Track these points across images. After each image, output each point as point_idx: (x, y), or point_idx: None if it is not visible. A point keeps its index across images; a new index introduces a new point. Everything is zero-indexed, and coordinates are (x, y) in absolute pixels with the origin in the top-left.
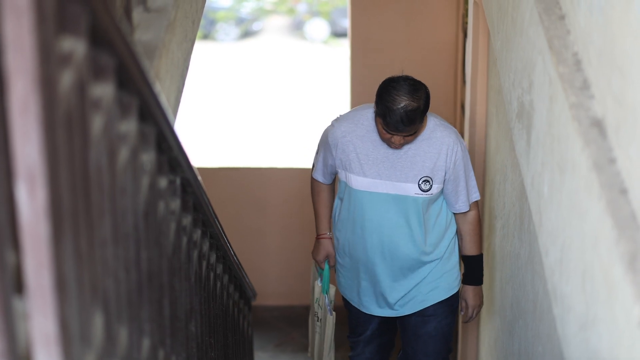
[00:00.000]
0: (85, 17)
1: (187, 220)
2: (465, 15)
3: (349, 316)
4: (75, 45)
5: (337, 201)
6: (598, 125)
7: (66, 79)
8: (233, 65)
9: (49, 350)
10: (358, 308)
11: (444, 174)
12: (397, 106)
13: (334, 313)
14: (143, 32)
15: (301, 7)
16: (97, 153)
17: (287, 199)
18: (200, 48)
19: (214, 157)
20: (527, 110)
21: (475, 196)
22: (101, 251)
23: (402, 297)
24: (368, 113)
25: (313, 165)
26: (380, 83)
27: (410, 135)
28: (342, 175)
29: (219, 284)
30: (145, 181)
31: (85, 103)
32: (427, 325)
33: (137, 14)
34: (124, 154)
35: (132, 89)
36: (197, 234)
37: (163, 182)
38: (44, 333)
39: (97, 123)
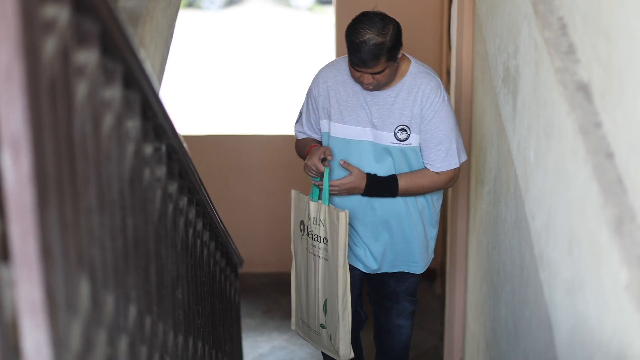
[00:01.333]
0: None
1: (172, 188)
2: None
3: None
4: (58, 12)
5: None
6: (584, 89)
7: (50, 46)
8: (218, 33)
9: (35, 317)
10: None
11: (419, 121)
12: (361, 39)
13: (346, 210)
14: None
15: None
16: (82, 120)
17: (273, 165)
18: (185, 16)
19: (200, 124)
20: (512, 75)
21: (455, 162)
22: (86, 218)
23: (384, 254)
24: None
25: (295, 132)
26: None
27: (379, 73)
28: (324, 126)
29: (205, 251)
30: (130, 148)
31: (69, 70)
32: (403, 285)
33: None
34: (108, 120)
35: (116, 55)
36: (183, 201)
37: (148, 149)
38: (30, 301)
39: (81, 90)
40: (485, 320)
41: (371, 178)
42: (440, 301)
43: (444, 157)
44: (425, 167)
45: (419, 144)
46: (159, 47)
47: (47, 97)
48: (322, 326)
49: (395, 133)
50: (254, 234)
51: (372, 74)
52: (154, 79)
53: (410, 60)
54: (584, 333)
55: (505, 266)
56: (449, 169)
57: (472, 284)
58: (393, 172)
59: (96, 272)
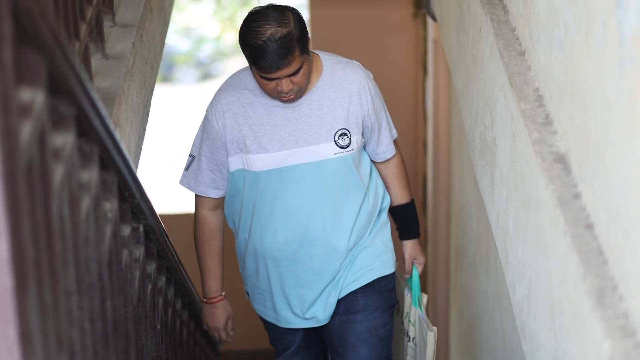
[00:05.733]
0: (44, 67)
1: (151, 268)
2: (425, 52)
3: (268, 333)
4: (34, 95)
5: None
6: (561, 160)
7: (26, 130)
8: (193, 107)
9: None
10: (275, 324)
11: (361, 121)
12: (263, 38)
13: (434, 328)
14: (102, 79)
15: None
16: (59, 203)
17: None
18: (159, 91)
19: (178, 202)
20: (489, 147)
21: (394, 132)
22: (66, 302)
23: (320, 295)
24: (247, 74)
25: (185, 187)
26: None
27: (297, 73)
28: (235, 163)
29: (185, 330)
30: (108, 230)
31: (46, 153)
32: (357, 326)
33: (96, 60)
34: (86, 203)
35: (92, 137)
36: (162, 281)
37: (126, 230)
38: None
39: (58, 173)
40: None
41: (412, 234)
42: None
43: (390, 132)
44: (385, 162)
45: (367, 139)
46: (134, 126)
47: (24, 181)
48: None
49: (336, 141)
50: (234, 311)
51: (289, 76)
52: (130, 159)
53: (317, 54)
54: None
55: (488, 339)
56: (395, 137)
57: (455, 357)
58: (342, 193)
59: (76, 355)
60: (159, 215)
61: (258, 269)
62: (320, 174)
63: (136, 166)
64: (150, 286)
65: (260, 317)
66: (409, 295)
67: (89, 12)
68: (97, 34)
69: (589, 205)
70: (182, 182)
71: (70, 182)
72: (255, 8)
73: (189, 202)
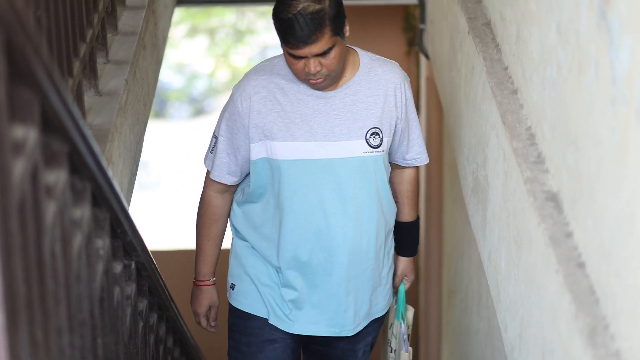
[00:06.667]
0: (37, 104)
1: (143, 305)
2: (417, 90)
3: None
4: (27, 133)
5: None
6: (553, 199)
7: (19, 167)
8: (186, 143)
9: None
10: (265, 318)
11: (394, 122)
12: (294, 12)
13: (410, 349)
14: (95, 115)
15: None
16: (51, 240)
17: None
18: (152, 126)
19: (170, 238)
20: (482, 185)
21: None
22: (57, 339)
23: (354, 315)
24: (281, 60)
25: (207, 168)
26: None
27: (327, 54)
28: (257, 151)
29: None
30: (100, 267)
31: (39, 190)
32: (358, 353)
33: (89, 97)
34: (78, 240)
35: (85, 174)
36: (154, 318)
37: (118, 267)
38: None
39: (50, 210)
40: None
41: (410, 251)
42: None
43: (423, 144)
44: (399, 171)
45: (396, 144)
46: (127, 163)
47: (17, 218)
48: None
49: (367, 139)
50: (224, 347)
51: (318, 56)
52: (122, 196)
53: (355, 50)
54: None
55: None
56: (427, 157)
57: None
58: (365, 195)
59: None
60: (151, 252)
61: (268, 266)
62: (346, 172)
63: (128, 203)
64: (141, 323)
65: (241, 326)
66: (395, 306)
67: (83, 49)
68: (91, 71)
69: (581, 244)
70: (206, 164)
71: (62, 219)
72: None
73: (181, 239)
